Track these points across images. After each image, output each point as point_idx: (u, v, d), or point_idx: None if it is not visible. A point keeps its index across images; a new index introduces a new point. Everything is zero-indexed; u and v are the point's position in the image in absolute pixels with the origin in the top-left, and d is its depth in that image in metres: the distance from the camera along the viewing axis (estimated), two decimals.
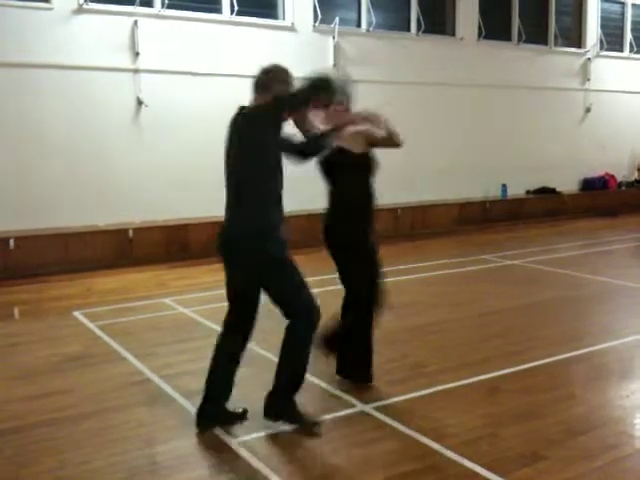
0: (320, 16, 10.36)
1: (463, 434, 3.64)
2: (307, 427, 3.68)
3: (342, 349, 4.32)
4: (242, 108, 3.76)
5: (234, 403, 3.90)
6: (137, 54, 8.95)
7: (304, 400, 3.97)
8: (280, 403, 3.71)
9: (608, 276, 7.62)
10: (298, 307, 3.64)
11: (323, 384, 4.31)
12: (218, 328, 5.62)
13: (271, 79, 3.72)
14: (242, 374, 4.56)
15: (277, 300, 3.67)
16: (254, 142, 3.56)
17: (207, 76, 9.51)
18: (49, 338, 5.63)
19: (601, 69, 13.99)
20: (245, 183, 3.58)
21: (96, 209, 8.80)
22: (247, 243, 3.55)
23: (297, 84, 3.65)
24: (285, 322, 3.68)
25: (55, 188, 8.58)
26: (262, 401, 3.79)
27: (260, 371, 4.50)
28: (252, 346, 5.00)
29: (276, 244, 3.58)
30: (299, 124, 3.83)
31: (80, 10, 8.56)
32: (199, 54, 9.46)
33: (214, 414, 3.75)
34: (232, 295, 3.78)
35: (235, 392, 4.01)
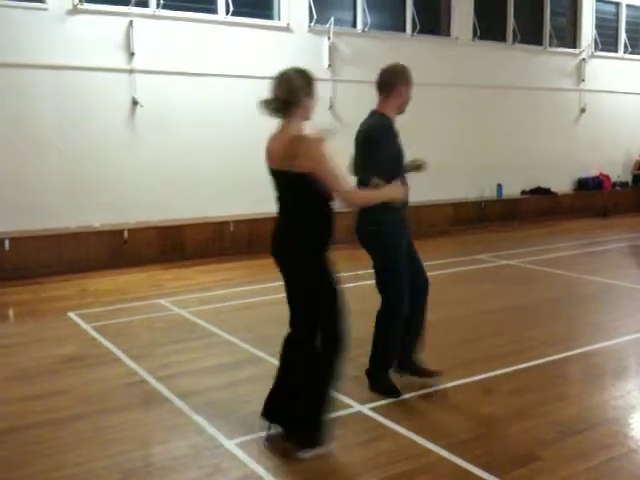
0: (315, 16, 10.35)
1: (458, 434, 3.65)
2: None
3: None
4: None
5: (239, 401, 3.90)
6: (132, 54, 8.94)
7: None
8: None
9: (602, 276, 7.65)
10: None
11: None
12: (214, 329, 5.68)
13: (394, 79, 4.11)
14: (244, 375, 4.59)
15: None
16: None
17: (203, 76, 9.50)
18: (44, 339, 5.62)
19: (596, 69, 14.02)
20: None
21: (91, 210, 8.78)
22: None
23: None
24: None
25: (50, 189, 8.56)
26: (260, 402, 3.82)
27: (258, 373, 4.52)
28: (252, 349, 5.04)
29: None
30: None
31: (75, 10, 8.54)
32: (194, 54, 9.45)
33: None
34: None
35: (237, 391, 4.05)
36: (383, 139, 4.09)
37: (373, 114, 4.21)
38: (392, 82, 4.14)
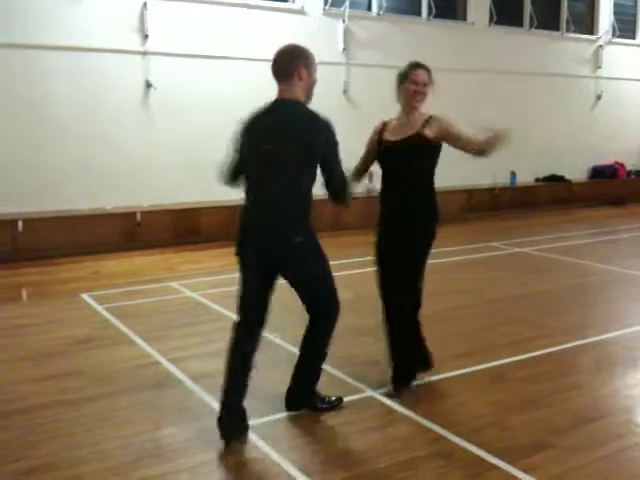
0: None
1: (470, 421, 3.64)
2: (329, 407, 3.78)
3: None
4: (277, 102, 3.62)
5: (251, 384, 3.90)
6: (146, 36, 8.91)
7: None
8: (303, 395, 3.77)
9: (616, 265, 7.59)
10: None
11: (332, 370, 4.30)
12: (226, 312, 5.68)
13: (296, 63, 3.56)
14: (256, 359, 4.58)
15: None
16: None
17: (216, 59, 9.46)
18: (57, 320, 5.65)
19: (613, 56, 13.86)
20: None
21: (104, 192, 8.80)
22: None
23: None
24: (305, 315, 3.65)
25: (64, 171, 8.58)
26: (274, 386, 3.88)
27: (272, 357, 4.52)
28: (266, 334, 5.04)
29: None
30: None
31: None
32: (208, 37, 9.41)
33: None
34: None
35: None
36: None
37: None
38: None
